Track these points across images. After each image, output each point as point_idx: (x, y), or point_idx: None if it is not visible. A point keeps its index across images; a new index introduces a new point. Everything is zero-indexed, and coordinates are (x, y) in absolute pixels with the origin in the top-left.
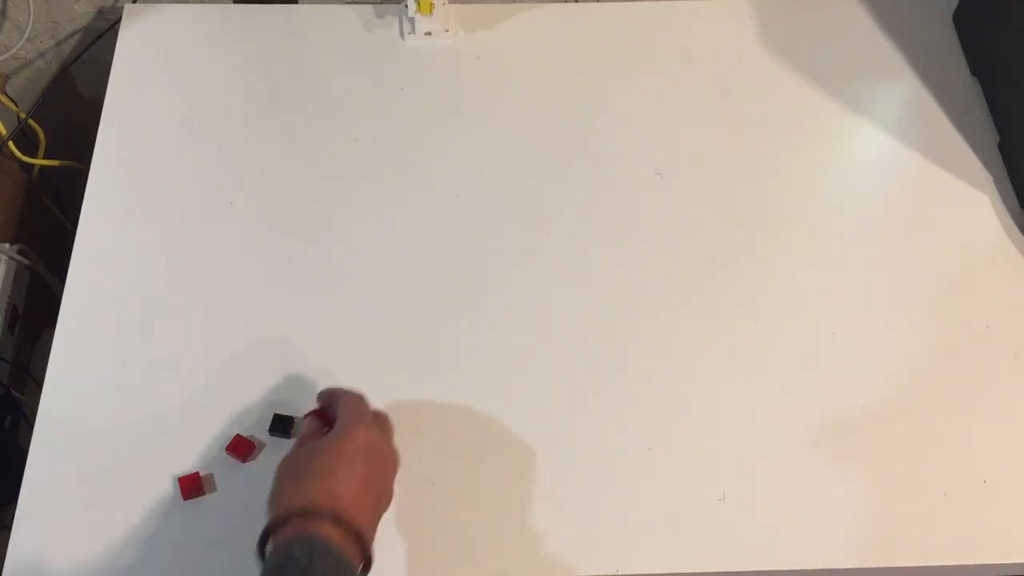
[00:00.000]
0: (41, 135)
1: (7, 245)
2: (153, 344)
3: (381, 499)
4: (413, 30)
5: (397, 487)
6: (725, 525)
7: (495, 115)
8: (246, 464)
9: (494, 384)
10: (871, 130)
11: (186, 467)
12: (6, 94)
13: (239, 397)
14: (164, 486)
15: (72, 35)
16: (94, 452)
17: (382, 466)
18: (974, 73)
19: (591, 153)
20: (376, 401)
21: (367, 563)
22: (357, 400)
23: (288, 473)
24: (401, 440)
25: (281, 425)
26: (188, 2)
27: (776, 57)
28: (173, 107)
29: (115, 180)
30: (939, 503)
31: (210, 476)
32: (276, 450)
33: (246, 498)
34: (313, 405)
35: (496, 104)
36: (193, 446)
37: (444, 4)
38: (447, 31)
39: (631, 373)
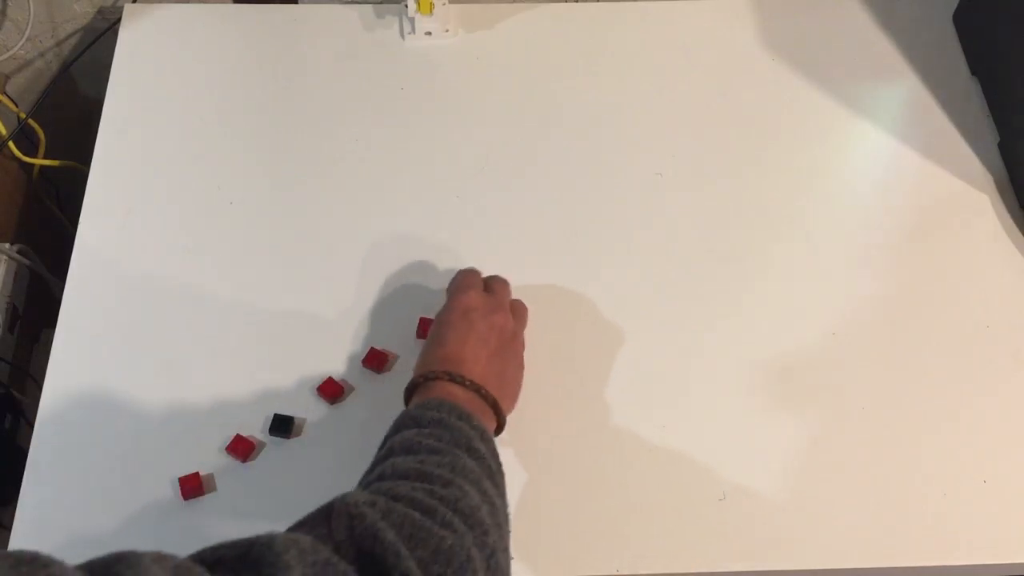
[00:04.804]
0: (41, 135)
1: (7, 245)
2: (153, 344)
3: (497, 346)
4: (413, 30)
5: None
6: (725, 525)
7: (495, 115)
8: (246, 464)
9: None
10: (871, 130)
11: (186, 467)
12: (6, 94)
13: (239, 397)
14: (164, 486)
15: (72, 35)
16: (94, 452)
17: (492, 321)
18: (974, 73)
19: (591, 153)
20: (375, 404)
21: (496, 409)
22: (464, 273)
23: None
24: None
25: (281, 425)
26: (188, 2)
27: (776, 57)
28: (173, 107)
29: (115, 180)
30: (939, 503)
31: (210, 476)
32: (276, 450)
33: (246, 498)
34: (308, 405)
35: (496, 104)
36: (193, 446)
37: (444, 4)
38: (447, 31)
39: (631, 373)
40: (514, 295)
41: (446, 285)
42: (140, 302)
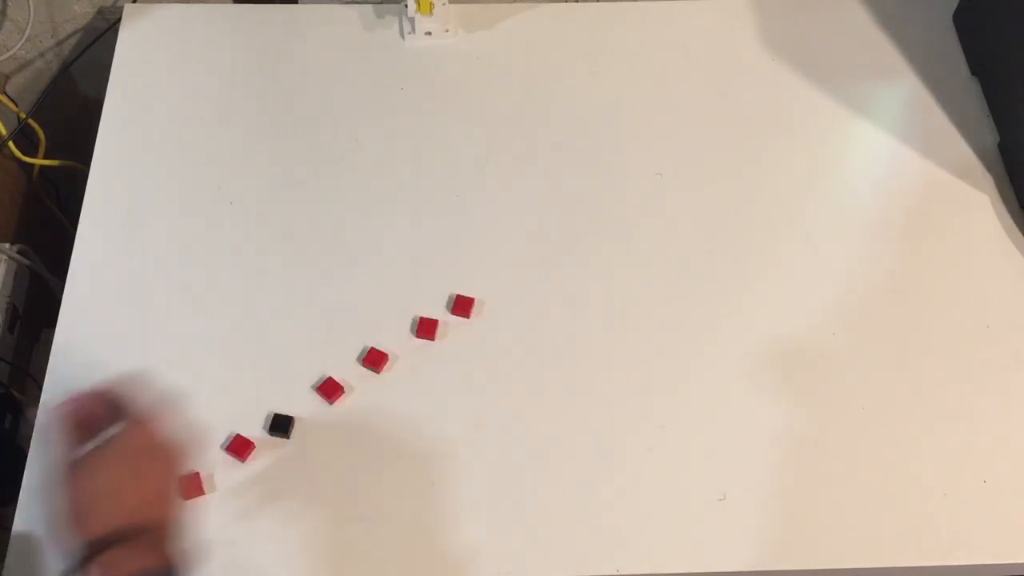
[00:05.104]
0: (41, 135)
1: (7, 245)
2: (152, 344)
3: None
4: (413, 30)
5: (399, 490)
6: (725, 525)
7: (495, 115)
8: (246, 464)
9: (494, 385)
10: (871, 130)
11: (186, 467)
12: (6, 94)
13: (239, 397)
14: None
15: (72, 35)
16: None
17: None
18: (974, 73)
19: (591, 153)
20: (375, 404)
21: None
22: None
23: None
24: (399, 446)
25: (281, 425)
26: (188, 2)
27: (776, 57)
28: (173, 107)
29: (115, 180)
30: (939, 503)
31: (210, 476)
32: (276, 450)
33: (246, 498)
34: (308, 405)
35: (496, 104)
36: (193, 446)
37: (444, 4)
38: (447, 31)
39: (631, 373)
40: (512, 295)
41: (446, 285)
42: (140, 302)
